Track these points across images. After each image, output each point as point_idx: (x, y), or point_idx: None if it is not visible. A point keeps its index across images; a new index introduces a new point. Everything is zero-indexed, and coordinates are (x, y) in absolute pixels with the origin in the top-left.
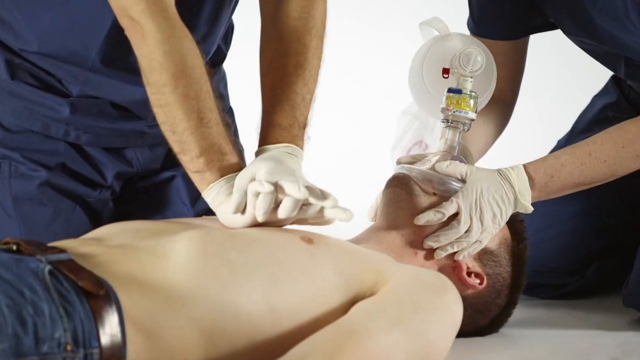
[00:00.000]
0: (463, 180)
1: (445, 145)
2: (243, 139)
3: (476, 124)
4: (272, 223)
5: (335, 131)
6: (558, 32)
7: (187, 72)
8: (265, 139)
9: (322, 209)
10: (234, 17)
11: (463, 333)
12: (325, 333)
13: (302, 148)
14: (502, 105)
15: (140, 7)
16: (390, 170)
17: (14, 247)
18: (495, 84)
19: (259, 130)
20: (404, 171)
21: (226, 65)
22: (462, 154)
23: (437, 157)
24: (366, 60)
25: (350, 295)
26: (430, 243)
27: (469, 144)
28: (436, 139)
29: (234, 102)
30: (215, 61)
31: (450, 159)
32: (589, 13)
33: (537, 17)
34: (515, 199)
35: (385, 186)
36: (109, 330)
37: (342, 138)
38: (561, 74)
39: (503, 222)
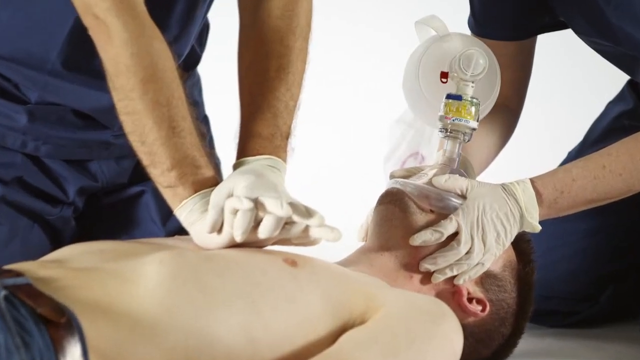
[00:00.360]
0: (463, 196)
1: (443, 157)
2: (220, 150)
3: (478, 134)
4: (251, 243)
5: (321, 141)
6: (568, 32)
7: (157, 76)
8: (244, 150)
9: (307, 228)
10: (209, 15)
11: None
12: None
13: (285, 160)
14: (506, 113)
15: (105, 5)
16: (382, 185)
17: None
18: (499, 90)
19: (237, 141)
20: (398, 186)
21: (201, 68)
22: (462, 167)
23: (434, 171)
24: (356, 63)
25: (339, 324)
26: (427, 266)
27: (470, 155)
28: (433, 150)
29: (209, 109)
30: (188, 64)
31: (449, 173)
32: (603, 11)
33: (545, 15)
34: (521, 216)
35: (377, 203)
36: None
37: (329, 149)
38: (572, 78)
39: (508, 243)
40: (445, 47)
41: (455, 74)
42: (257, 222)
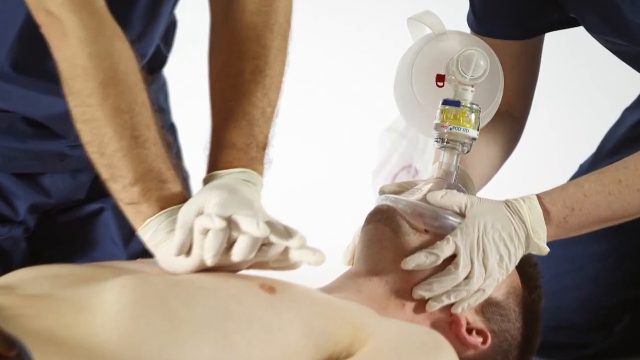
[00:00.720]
0: (462, 214)
1: (439, 170)
2: (188, 162)
3: (478, 145)
4: (224, 267)
5: (303, 153)
6: (579, 30)
7: (118, 79)
8: (216, 162)
9: (286, 250)
10: (177, 10)
11: None
12: None
13: (261, 174)
14: (510, 121)
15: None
16: (371, 201)
17: None
18: (501, 95)
19: (207, 152)
20: (389, 203)
21: (167, 70)
22: (461, 182)
23: (429, 186)
24: (341, 65)
25: (322, 357)
26: (421, 292)
27: (470, 169)
28: (428, 162)
29: (177, 116)
30: (153, 66)
31: (446, 188)
32: (620, 7)
33: (553, 11)
34: (527, 237)
35: (365, 222)
36: None
37: (311, 161)
38: (584, 82)
39: (512, 266)
40: (441, 47)
41: (453, 77)
42: (230, 244)
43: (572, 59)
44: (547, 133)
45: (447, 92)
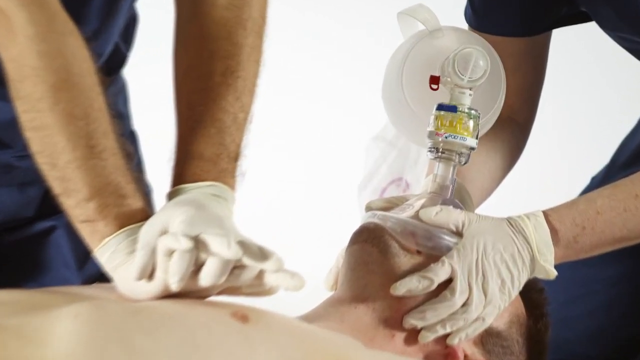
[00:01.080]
0: (459, 234)
1: (433, 184)
2: (151, 174)
3: (477, 155)
4: (191, 293)
5: (280, 164)
6: (591, 26)
7: (72, 81)
8: (182, 175)
9: (261, 274)
10: (138, 4)
11: None
12: None
13: (233, 188)
14: (513, 128)
15: None
16: (356, 219)
17: None
18: (503, 98)
19: (172, 163)
20: (376, 220)
21: (127, 72)
22: (458, 197)
23: (422, 201)
24: (323, 66)
25: None
26: (413, 321)
27: (468, 182)
28: (421, 175)
29: (138, 123)
30: (111, 66)
31: (441, 204)
32: (637, 0)
33: (562, 5)
34: (532, 259)
35: (350, 242)
36: None
37: (289, 174)
38: (595, 85)
39: (515, 292)
40: (435, 45)
41: (449, 79)
42: (198, 266)
43: (583, 59)
44: (555, 142)
45: (442, 95)
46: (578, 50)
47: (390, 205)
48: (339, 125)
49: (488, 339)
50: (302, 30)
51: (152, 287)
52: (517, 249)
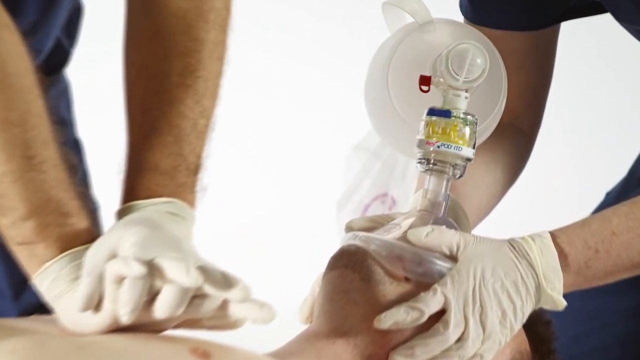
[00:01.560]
0: (453, 258)
1: (424, 200)
2: (98, 189)
3: (474, 167)
4: (145, 326)
5: (247, 177)
6: (604, 18)
7: (6, 82)
8: (134, 190)
9: (225, 304)
10: None
11: None
12: None
13: (192, 204)
14: (516, 136)
15: None
16: (335, 240)
17: None
18: (504, 102)
19: (123, 177)
20: (358, 243)
21: (71, 71)
22: (452, 215)
23: (411, 220)
24: (297, 65)
25: None
26: (400, 359)
27: (464, 198)
28: (409, 190)
29: (83, 130)
30: (52, 65)
31: (433, 223)
32: None
33: None
34: (538, 287)
35: (328, 267)
36: None
37: (258, 189)
38: (610, 86)
39: (518, 325)
40: (426, 40)
41: (442, 79)
42: (152, 295)
43: (596, 56)
44: (564, 152)
45: (434, 98)
46: (591, 47)
47: (374, 225)
48: (315, 132)
49: None
50: (273, 23)
51: (100, 320)
52: (521, 275)
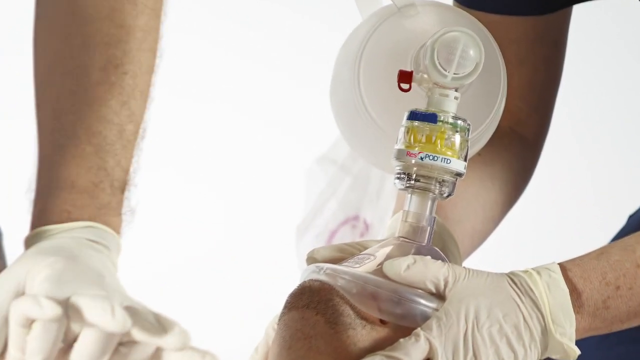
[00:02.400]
0: (440, 296)
1: (404, 225)
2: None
3: (467, 184)
4: None
5: (187, 197)
6: (627, 2)
7: None
8: (46, 212)
9: (159, 352)
10: None
11: None
12: None
13: (117, 230)
14: (518, 146)
15: None
16: (294, 274)
17: None
18: (503, 104)
19: (32, 196)
20: (323, 277)
21: None
22: (438, 243)
23: (387, 250)
24: (248, 60)
25: None
26: None
27: (453, 222)
28: (385, 212)
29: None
30: None
31: (414, 253)
32: None
33: None
34: (545, 331)
35: (285, 307)
36: None
37: (201, 211)
38: (634, 84)
39: None
40: (406, 27)
41: (426, 76)
42: (69, 342)
43: (616, 48)
44: (577, 165)
45: (417, 99)
46: (610, 35)
47: (342, 255)
48: (270, 141)
49: None
50: (216, 7)
51: None
52: (523, 317)
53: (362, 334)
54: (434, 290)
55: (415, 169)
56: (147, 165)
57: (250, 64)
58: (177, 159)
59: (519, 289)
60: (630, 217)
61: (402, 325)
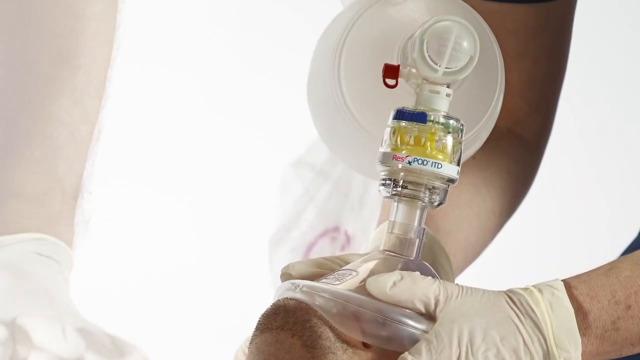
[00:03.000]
0: (430, 316)
1: (390, 237)
2: None
3: (460, 191)
4: None
5: (148, 206)
6: None
7: None
8: None
9: None
10: None
11: None
12: None
13: (69, 242)
14: (517, 149)
15: None
16: (268, 291)
17: None
18: (501, 102)
19: None
20: (299, 295)
21: None
22: (429, 257)
23: (371, 265)
24: (217, 53)
25: None
26: None
27: (445, 234)
28: (369, 223)
29: None
30: None
31: (401, 269)
32: None
33: None
34: (547, 356)
35: (257, 329)
36: None
37: (163, 222)
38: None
39: None
40: (392, 16)
41: (414, 70)
42: None
43: (627, 39)
44: (583, 170)
45: (404, 96)
46: (621, 25)
47: (321, 270)
48: (241, 143)
49: None
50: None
51: None
52: (523, 340)
53: (343, 359)
54: (423, 310)
55: (402, 174)
56: (105, 170)
57: (224, 59)
58: (135, 160)
59: (518, 308)
60: None
61: (388, 349)
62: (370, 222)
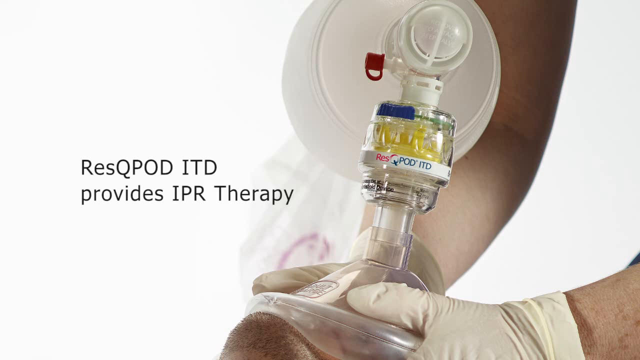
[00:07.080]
0: (417, 332)
1: (374, 245)
2: None
3: (451, 194)
4: None
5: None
6: None
7: None
8: None
9: None
10: None
11: None
12: None
13: None
14: (514, 147)
15: None
16: (238, 305)
17: None
18: (496, 95)
19: None
20: (273, 309)
21: None
22: (416, 267)
23: (353, 276)
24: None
25: None
26: None
27: (434, 241)
28: (350, 230)
29: None
30: None
31: (386, 280)
32: None
33: None
34: None
35: (227, 347)
36: None
37: (122, 233)
38: None
39: None
40: (376, 0)
41: (400, 60)
42: None
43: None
44: (587, 171)
45: (389, 89)
46: (627, 11)
47: (298, 282)
48: (206, 141)
49: None
50: None
51: None
52: (521, 359)
53: None
54: (410, 326)
55: (387, 175)
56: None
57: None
58: (55, 159)
59: (515, 324)
60: None
61: None
62: (351, 229)
